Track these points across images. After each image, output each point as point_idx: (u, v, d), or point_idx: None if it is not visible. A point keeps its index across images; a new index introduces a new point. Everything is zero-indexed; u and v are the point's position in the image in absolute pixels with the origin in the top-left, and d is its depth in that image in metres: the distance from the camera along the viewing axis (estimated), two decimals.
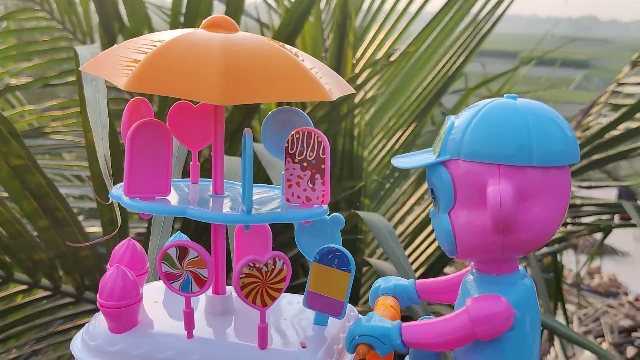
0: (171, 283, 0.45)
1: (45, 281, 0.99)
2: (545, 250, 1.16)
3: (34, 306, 1.03)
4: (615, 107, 1.72)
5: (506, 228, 0.40)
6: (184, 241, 0.44)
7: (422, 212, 1.16)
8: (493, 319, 0.41)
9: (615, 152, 1.59)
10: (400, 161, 0.46)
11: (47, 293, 1.00)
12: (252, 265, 0.43)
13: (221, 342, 0.46)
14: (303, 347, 0.46)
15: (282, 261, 0.44)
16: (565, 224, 1.81)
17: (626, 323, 1.79)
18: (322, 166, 0.46)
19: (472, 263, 0.46)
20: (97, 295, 0.46)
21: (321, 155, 0.45)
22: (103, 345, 0.46)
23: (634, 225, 1.75)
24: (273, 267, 0.44)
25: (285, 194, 0.48)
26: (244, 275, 0.43)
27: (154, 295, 0.52)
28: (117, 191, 0.47)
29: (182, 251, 0.44)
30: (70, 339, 0.49)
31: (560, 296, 1.27)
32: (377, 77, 1.30)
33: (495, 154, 0.41)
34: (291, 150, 0.47)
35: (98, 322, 0.49)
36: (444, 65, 1.30)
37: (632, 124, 1.61)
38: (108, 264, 0.51)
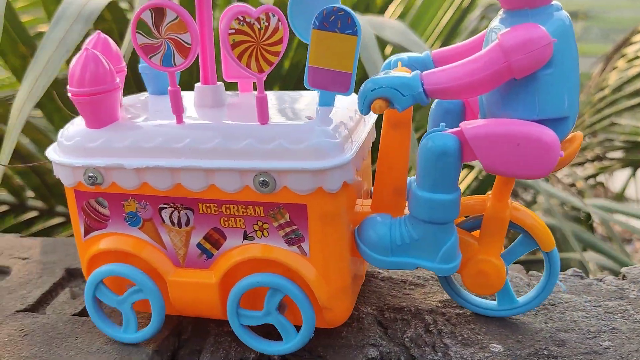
0: (150, 58, 0.39)
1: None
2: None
3: None
4: None
5: None
6: (158, 1, 0.38)
7: None
8: (530, 45, 0.35)
9: None
10: None
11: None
12: (241, 19, 0.37)
13: (216, 125, 0.40)
14: (309, 119, 0.40)
15: (277, 17, 0.37)
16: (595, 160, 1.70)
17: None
18: None
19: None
20: (67, 86, 0.40)
21: None
22: (81, 142, 0.40)
23: None
24: (267, 23, 0.37)
25: None
26: (233, 30, 0.37)
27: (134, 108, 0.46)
28: None
29: (158, 14, 0.38)
30: None
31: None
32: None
33: None
34: None
35: (72, 124, 0.43)
36: None
37: None
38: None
